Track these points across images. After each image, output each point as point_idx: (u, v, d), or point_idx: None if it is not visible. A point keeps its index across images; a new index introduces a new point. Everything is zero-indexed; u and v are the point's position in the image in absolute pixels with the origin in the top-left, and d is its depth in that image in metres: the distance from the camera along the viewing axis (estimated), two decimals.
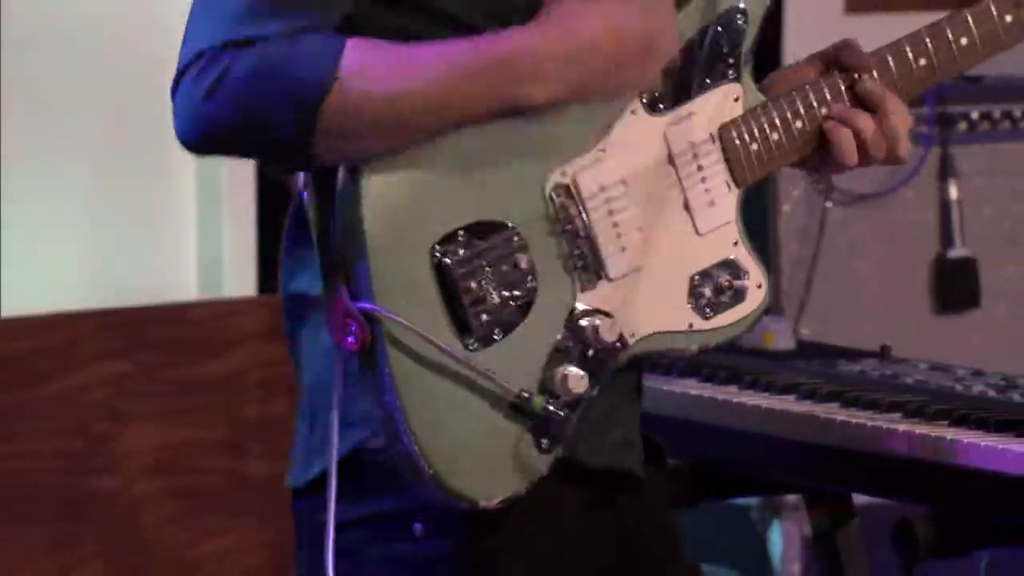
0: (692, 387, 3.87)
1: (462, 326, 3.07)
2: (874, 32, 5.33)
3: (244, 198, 5.37)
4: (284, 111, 3.09)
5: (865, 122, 3.27)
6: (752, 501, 4.60)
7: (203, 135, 3.09)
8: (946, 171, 4.66)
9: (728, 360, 3.92)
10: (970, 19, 3.33)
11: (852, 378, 3.83)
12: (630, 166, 3.20)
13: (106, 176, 5.52)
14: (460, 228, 3.07)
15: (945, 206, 4.80)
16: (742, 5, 3.28)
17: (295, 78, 3.07)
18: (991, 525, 3.68)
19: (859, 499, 3.95)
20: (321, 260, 3.11)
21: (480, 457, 3.10)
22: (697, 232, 3.20)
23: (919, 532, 3.63)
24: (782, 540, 4.69)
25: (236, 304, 5.28)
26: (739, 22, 3.28)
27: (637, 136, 3.21)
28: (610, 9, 3.14)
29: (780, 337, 4.05)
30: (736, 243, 3.22)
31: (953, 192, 4.81)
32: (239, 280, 5.46)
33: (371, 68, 3.10)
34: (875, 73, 3.32)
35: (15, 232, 5.31)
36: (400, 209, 3.09)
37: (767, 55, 3.41)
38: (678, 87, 3.24)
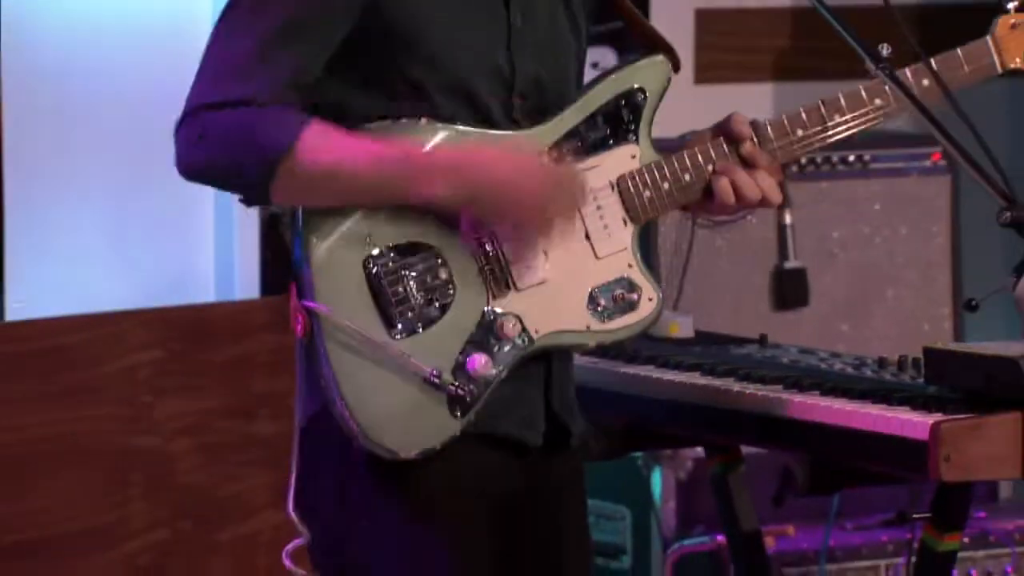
0: (620, 366, 3.77)
1: (388, 321, 3.09)
2: (720, 100, 5.34)
3: (251, 219, 5.34)
4: (249, 166, 3.07)
5: (742, 177, 3.23)
6: (639, 454, 4.52)
7: (189, 172, 3.10)
8: (783, 202, 4.60)
9: (646, 346, 3.84)
10: (842, 100, 3.29)
11: (741, 359, 3.77)
12: None
13: (134, 199, 5.50)
14: (390, 246, 3.08)
15: (782, 228, 4.79)
16: (640, 85, 3.24)
17: (260, 143, 3.05)
18: (848, 470, 3.63)
19: (747, 450, 3.88)
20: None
21: (399, 420, 3.11)
22: (596, 256, 3.19)
23: (797, 475, 3.61)
24: (661, 483, 4.66)
25: (245, 304, 5.31)
26: (639, 98, 3.24)
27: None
28: (516, 166, 3.12)
29: (683, 328, 4.00)
30: (631, 265, 3.20)
31: (787, 218, 4.80)
32: (247, 284, 5.49)
33: (320, 147, 3.06)
34: (755, 139, 3.23)
35: (60, 240, 5.35)
36: (336, 231, 3.08)
37: None
38: (585, 146, 3.21)
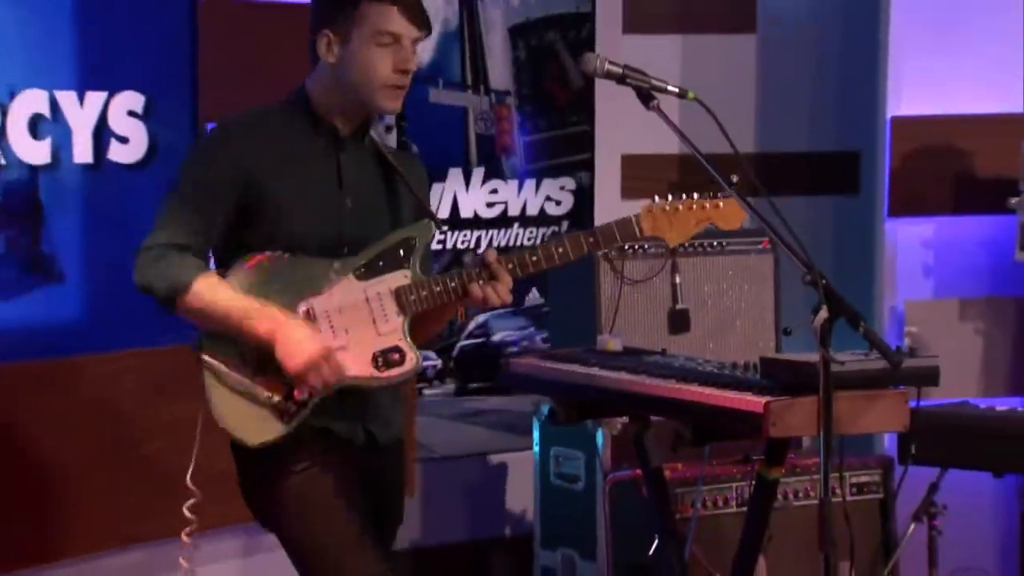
0: (578, 368, 3.70)
1: (244, 360, 3.10)
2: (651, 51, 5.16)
3: None
4: (161, 293, 3.07)
5: (488, 287, 3.20)
6: (589, 421, 4.39)
7: (136, 286, 3.09)
8: (674, 269, 4.60)
9: (594, 356, 3.77)
10: (567, 242, 3.26)
11: (653, 363, 3.67)
12: (342, 302, 3.15)
13: None
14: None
15: (674, 285, 4.69)
16: (412, 236, 3.21)
17: (171, 279, 3.06)
18: (714, 430, 3.53)
19: (654, 419, 3.79)
20: None
21: (250, 421, 3.11)
22: (378, 333, 3.15)
23: (684, 434, 3.52)
24: (602, 438, 4.56)
25: None
26: (412, 243, 3.20)
27: (348, 289, 3.16)
28: (299, 350, 3.06)
29: (616, 345, 3.91)
30: (400, 339, 3.16)
31: (677, 279, 4.70)
32: None
33: (203, 292, 3.07)
34: (498, 263, 3.20)
35: None
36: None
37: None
38: (375, 270, 3.18)
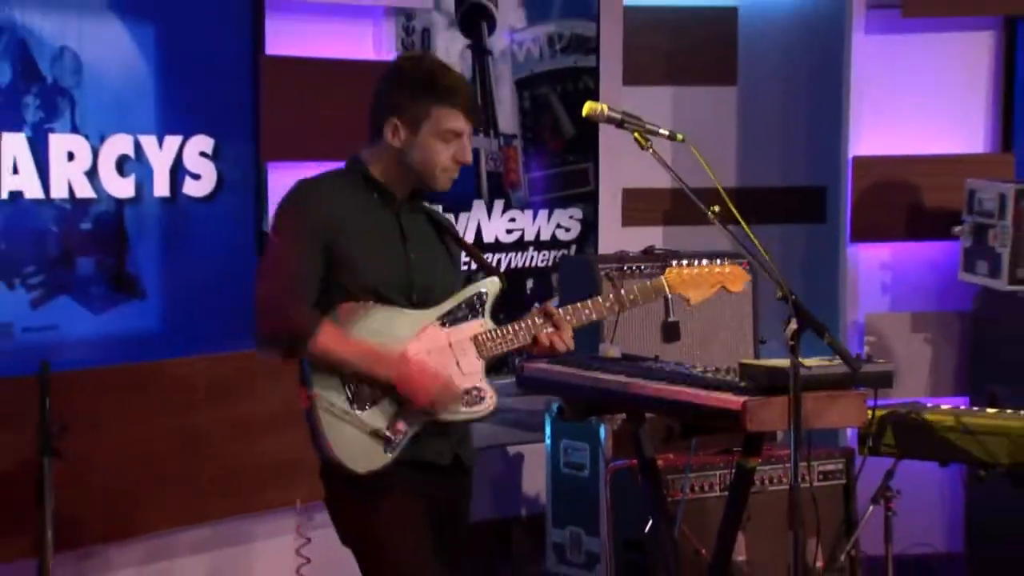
0: (582, 372, 3.66)
1: (353, 398, 3.01)
2: (647, 101, 5.21)
3: None
4: (288, 343, 3.00)
5: (554, 335, 3.18)
6: (594, 417, 4.37)
7: (262, 338, 3.01)
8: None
9: (597, 363, 3.74)
10: (612, 297, 3.26)
11: (647, 368, 3.66)
12: (431, 346, 3.09)
13: None
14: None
15: (666, 300, 4.55)
16: (484, 290, 3.17)
17: (296, 331, 2.98)
18: (701, 426, 3.58)
19: (648, 416, 3.77)
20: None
21: (358, 452, 3.02)
22: (462, 372, 3.10)
23: (675, 428, 3.61)
24: (604, 432, 4.52)
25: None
26: (483, 296, 3.17)
27: (433, 335, 3.10)
28: (420, 370, 3.04)
29: (616, 352, 3.90)
30: (481, 379, 3.12)
31: (669, 295, 4.43)
32: None
33: (327, 343, 2.99)
34: (560, 314, 3.17)
35: None
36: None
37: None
38: (455, 318, 3.13)
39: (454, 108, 3.09)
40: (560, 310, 3.20)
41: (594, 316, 3.25)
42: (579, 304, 3.23)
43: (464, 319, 3.16)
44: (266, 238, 3.12)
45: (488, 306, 3.18)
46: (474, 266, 5.03)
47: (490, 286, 3.20)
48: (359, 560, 3.10)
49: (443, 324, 3.13)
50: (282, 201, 3.11)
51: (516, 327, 3.17)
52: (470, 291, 3.18)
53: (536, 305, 3.36)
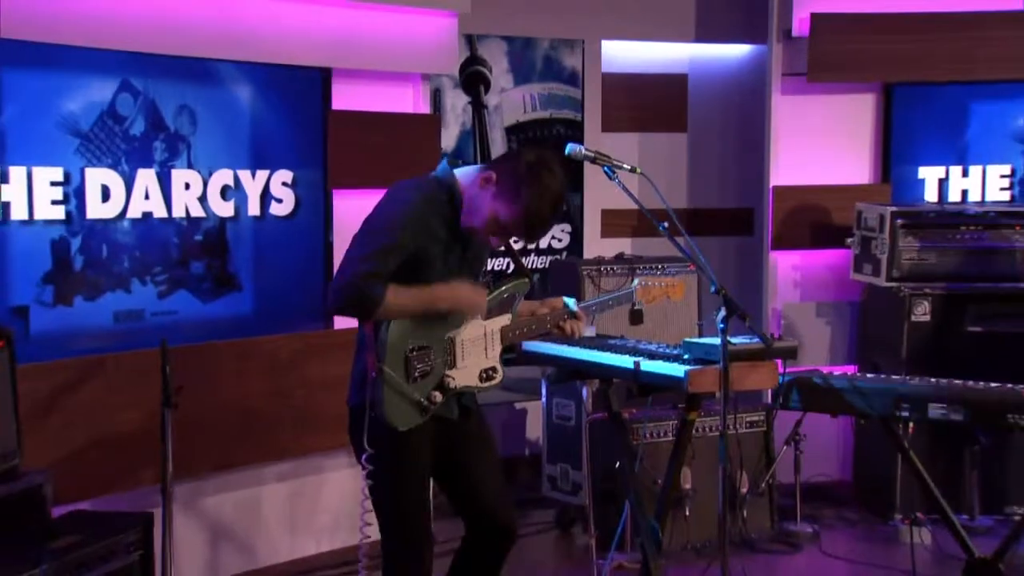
0: (566, 347, 3.56)
1: (408, 375, 2.93)
2: (621, 143, 5.24)
3: None
4: (365, 306, 2.84)
5: (571, 323, 3.17)
6: (576, 381, 4.22)
7: (344, 301, 2.84)
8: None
9: (579, 340, 3.53)
10: (611, 301, 3.26)
11: (615, 344, 3.60)
12: (472, 335, 3.03)
13: None
14: (415, 345, 2.93)
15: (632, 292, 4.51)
16: (516, 290, 3.11)
17: (372, 298, 2.83)
18: (654, 387, 3.43)
19: (617, 382, 3.59)
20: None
21: (402, 412, 2.93)
22: (487, 357, 3.06)
23: (635, 391, 3.46)
24: (584, 392, 4.44)
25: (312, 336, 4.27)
26: (514, 295, 3.11)
27: (475, 325, 3.04)
28: (456, 294, 2.95)
29: (591, 332, 3.80)
30: (498, 361, 3.07)
31: (636, 287, 4.37)
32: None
33: (392, 296, 2.85)
34: (574, 307, 3.15)
35: None
36: (396, 335, 2.90)
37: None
38: (491, 313, 3.07)
39: (525, 230, 2.96)
40: (581, 304, 3.18)
41: (600, 310, 3.25)
42: (593, 304, 3.22)
43: (497, 313, 3.11)
44: (365, 222, 2.93)
45: (517, 303, 3.13)
46: (498, 266, 5.05)
47: (520, 288, 3.13)
48: (370, 488, 3.01)
49: (483, 317, 3.08)
50: (396, 199, 2.92)
51: (545, 319, 3.15)
52: (506, 291, 3.11)
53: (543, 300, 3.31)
